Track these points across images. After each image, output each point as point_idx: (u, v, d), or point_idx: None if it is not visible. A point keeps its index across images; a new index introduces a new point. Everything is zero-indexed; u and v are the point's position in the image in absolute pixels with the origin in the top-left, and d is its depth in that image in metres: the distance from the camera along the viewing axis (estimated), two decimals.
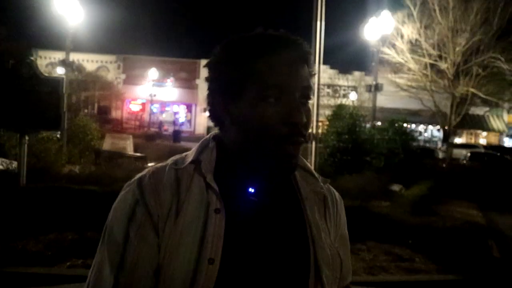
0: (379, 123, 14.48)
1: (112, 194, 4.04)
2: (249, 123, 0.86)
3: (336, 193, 1.03)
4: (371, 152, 11.26)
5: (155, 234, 0.82)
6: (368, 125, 12.96)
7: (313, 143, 9.90)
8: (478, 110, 37.20)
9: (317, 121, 9.75)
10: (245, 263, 0.83)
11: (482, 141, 40.55)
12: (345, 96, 28.55)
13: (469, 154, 19.88)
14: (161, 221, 0.83)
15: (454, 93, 13.87)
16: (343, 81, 29.10)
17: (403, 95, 14.66)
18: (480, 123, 39.26)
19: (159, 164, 0.91)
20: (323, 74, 25.22)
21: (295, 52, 0.87)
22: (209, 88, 0.93)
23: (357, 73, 29.34)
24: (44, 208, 5.27)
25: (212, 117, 0.93)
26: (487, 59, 13.42)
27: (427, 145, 31.49)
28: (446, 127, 16.08)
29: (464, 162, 19.78)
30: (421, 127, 38.06)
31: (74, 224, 5.22)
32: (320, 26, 9.81)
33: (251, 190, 0.88)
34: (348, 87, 29.07)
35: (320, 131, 15.36)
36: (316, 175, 0.99)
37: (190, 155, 0.92)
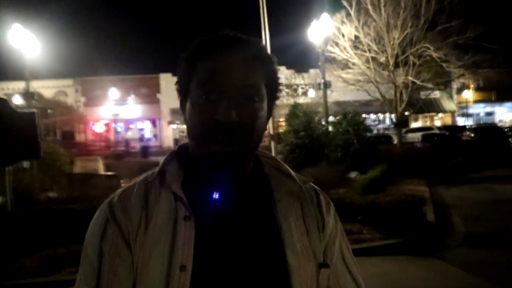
0: (333, 118, 15.39)
1: (90, 210, 5.14)
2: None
3: (322, 195, 1.01)
4: (328, 145, 12.16)
5: (128, 250, 0.84)
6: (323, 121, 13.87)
7: (272, 142, 10.78)
8: (431, 94, 39.29)
9: (273, 121, 10.60)
10: (217, 268, 0.83)
11: (438, 122, 42.56)
12: (304, 94, 29.47)
13: (421, 137, 21.32)
14: (132, 236, 0.84)
15: (395, 83, 15.12)
16: (300, 79, 29.96)
17: (353, 88, 15.76)
18: (433, 106, 41.24)
19: (130, 183, 0.93)
20: (280, 75, 25.96)
21: (237, 51, 0.85)
22: (178, 92, 0.95)
23: (312, 71, 30.35)
24: (32, 228, 5.87)
25: (183, 116, 0.95)
26: (420, 49, 14.76)
27: (387, 132, 32.90)
28: (389, 114, 17.40)
29: (417, 144, 21.18)
30: (378, 116, 39.55)
31: (61, 240, 5.83)
32: (265, 36, 10.71)
33: (216, 196, 0.88)
34: (306, 85, 30.04)
35: (281, 130, 16.19)
36: (294, 175, 0.97)
37: (157, 168, 0.92)
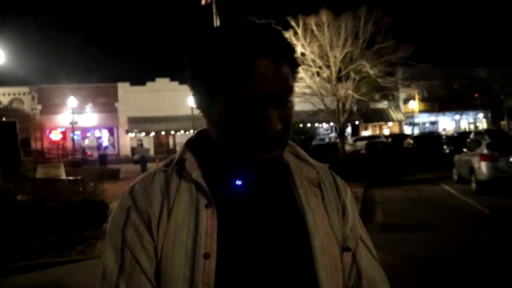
0: None
1: (65, 207, 6.69)
2: (224, 129, 0.86)
3: (338, 178, 1.02)
4: None
5: (150, 237, 0.84)
6: None
7: None
8: (379, 105, 41.77)
9: None
10: (242, 255, 0.83)
11: (386, 131, 45.08)
12: None
13: (365, 144, 23.11)
14: (154, 223, 0.84)
15: (337, 96, 16.75)
16: None
17: (299, 100, 17.19)
18: (381, 116, 43.84)
19: (150, 171, 0.93)
20: None
21: (270, 53, 0.81)
22: (190, 84, 0.91)
23: None
24: (12, 224, 6.74)
25: (198, 108, 0.92)
26: (359, 66, 16.48)
27: (337, 140, 34.72)
28: (333, 123, 19.08)
29: (362, 151, 22.92)
30: (331, 125, 41.53)
31: (40, 233, 6.75)
32: None
33: (238, 182, 0.88)
34: None
35: None
36: (312, 161, 0.98)
37: (177, 156, 0.93)
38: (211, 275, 0.81)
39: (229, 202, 0.87)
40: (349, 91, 16.56)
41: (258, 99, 0.81)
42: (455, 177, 13.62)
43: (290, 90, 0.86)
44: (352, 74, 16.62)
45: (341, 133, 17.72)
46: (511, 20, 75.34)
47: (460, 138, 21.28)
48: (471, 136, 20.78)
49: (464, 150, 13.44)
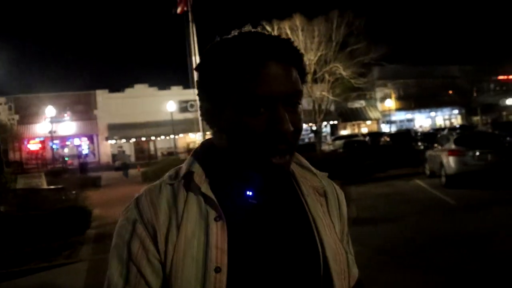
0: None
1: (50, 215, 7.07)
2: (235, 134, 0.85)
3: (336, 186, 1.04)
4: None
5: (156, 250, 0.83)
6: None
7: None
8: (357, 104, 42.61)
9: (203, 134, 12.06)
10: (253, 269, 0.83)
11: (364, 130, 45.90)
12: None
13: (343, 143, 23.62)
14: (161, 237, 0.84)
15: (313, 97, 17.26)
16: None
17: None
18: (359, 115, 44.70)
19: (155, 182, 0.92)
20: None
21: (281, 58, 0.83)
22: (198, 94, 0.92)
23: None
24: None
25: (205, 120, 0.93)
26: (332, 68, 17.02)
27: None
28: (311, 124, 19.55)
29: (339, 150, 23.43)
30: (310, 125, 42.07)
31: (26, 241, 6.95)
32: (195, 60, 12.22)
33: (249, 193, 0.87)
34: None
35: None
36: (314, 170, 0.99)
37: (183, 168, 0.91)
38: None
39: (239, 214, 0.86)
40: (324, 93, 17.08)
41: (270, 100, 0.82)
42: (427, 172, 14.13)
43: (300, 93, 0.87)
44: (326, 76, 17.17)
45: (317, 133, 18.21)
46: (481, 18, 77.50)
47: (434, 135, 21.95)
48: (444, 132, 21.48)
49: (435, 145, 14.01)
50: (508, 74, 44.15)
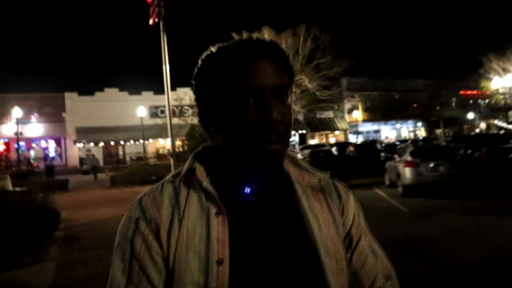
0: None
1: (17, 216, 7.40)
2: (228, 127, 0.89)
3: (340, 185, 1.06)
4: None
5: (159, 246, 0.86)
6: None
7: (172, 160, 12.55)
8: (325, 114, 43.57)
9: (172, 140, 12.34)
10: (254, 261, 0.86)
11: (332, 139, 46.91)
12: None
13: (309, 153, 24.31)
14: (164, 233, 0.86)
15: None
16: None
17: None
18: (327, 125, 45.66)
19: (157, 183, 0.96)
20: (185, 96, 27.60)
21: (265, 54, 0.89)
22: (195, 100, 0.97)
23: None
24: None
25: (202, 126, 0.97)
26: (299, 80, 17.68)
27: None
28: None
29: (307, 159, 24.07)
30: None
31: None
32: (165, 69, 12.55)
33: (247, 190, 0.91)
34: None
35: (186, 148, 17.84)
36: (312, 170, 1.03)
37: (185, 166, 0.96)
38: (225, 281, 0.83)
39: (238, 209, 0.89)
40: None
41: (258, 91, 0.86)
42: (387, 182, 14.82)
43: (286, 86, 0.91)
44: (293, 87, 17.83)
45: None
46: (445, 34, 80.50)
47: (395, 146, 22.88)
48: (408, 143, 22.40)
49: (395, 157, 14.75)
50: (469, 90, 46.13)
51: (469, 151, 15.91)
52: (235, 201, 0.90)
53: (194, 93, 0.97)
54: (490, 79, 31.84)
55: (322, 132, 46.83)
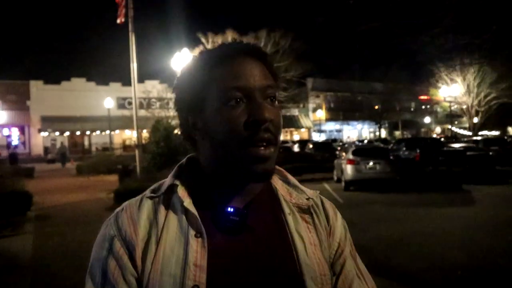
0: None
1: None
2: (215, 131, 0.85)
3: (328, 203, 1.02)
4: (185, 153, 15.28)
5: (133, 269, 0.82)
6: None
7: (137, 151, 13.62)
8: (291, 112, 45.12)
9: (138, 132, 13.40)
10: (232, 287, 0.82)
11: (297, 137, 48.55)
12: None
13: None
14: (139, 253, 0.83)
15: None
16: (171, 93, 32.26)
17: None
18: (292, 123, 47.27)
19: (136, 197, 0.91)
20: (153, 89, 28.24)
21: (251, 55, 0.87)
22: (177, 110, 0.93)
23: None
24: None
25: (185, 138, 0.93)
26: None
27: None
28: None
29: None
30: None
31: None
32: (133, 67, 13.57)
33: (230, 209, 0.86)
34: None
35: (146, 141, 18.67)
36: (302, 188, 0.98)
37: (166, 182, 0.90)
38: None
39: (221, 230, 0.85)
40: None
41: (247, 91, 0.83)
42: (335, 178, 16.33)
43: (274, 87, 0.87)
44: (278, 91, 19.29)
45: None
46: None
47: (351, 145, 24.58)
48: (365, 143, 24.06)
49: (342, 155, 16.29)
50: (427, 95, 48.70)
51: (406, 153, 17.74)
52: (217, 222, 0.86)
53: (176, 103, 0.93)
54: (439, 88, 34.21)
55: (287, 129, 48.38)
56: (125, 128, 36.86)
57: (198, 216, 0.84)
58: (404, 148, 18.74)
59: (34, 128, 37.73)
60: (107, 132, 34.02)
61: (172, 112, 24.72)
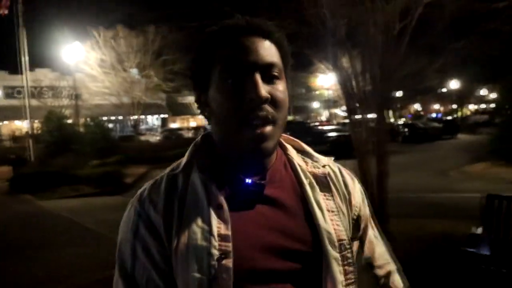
0: (89, 120, 19.62)
1: None
2: (216, 110, 0.87)
3: (345, 171, 1.03)
4: (77, 142, 16.30)
5: (160, 247, 0.84)
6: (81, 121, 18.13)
7: (30, 140, 14.60)
8: (187, 99, 46.39)
9: (31, 122, 14.32)
10: (258, 253, 0.84)
11: (193, 123, 49.81)
12: (69, 96, 31.62)
13: (162, 136, 27.50)
14: (166, 230, 0.84)
15: (131, 95, 20.90)
16: (64, 82, 31.42)
17: (100, 98, 20.54)
18: (188, 110, 48.40)
19: (156, 177, 0.93)
20: (45, 78, 28.02)
21: (256, 32, 0.86)
22: (193, 87, 0.94)
23: (78, 75, 33.10)
24: None
25: (200, 110, 0.94)
26: (148, 73, 20.84)
27: (146, 132, 38.16)
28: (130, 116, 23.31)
29: (158, 141, 27.05)
30: (141, 118, 44.50)
31: None
32: (25, 60, 14.43)
33: (248, 181, 0.88)
34: (71, 87, 32.36)
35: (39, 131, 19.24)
36: (317, 156, 1.00)
37: (184, 159, 0.92)
38: (229, 275, 0.81)
39: (240, 201, 0.87)
40: (138, 93, 20.86)
41: (246, 68, 0.83)
42: None
43: (277, 66, 0.87)
44: (143, 79, 20.97)
45: (135, 126, 21.90)
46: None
47: None
48: None
49: None
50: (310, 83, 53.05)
51: None
52: (236, 193, 0.88)
53: (191, 81, 0.94)
54: (317, 76, 38.11)
55: (183, 117, 49.58)
56: (14, 119, 35.54)
57: (217, 189, 0.86)
58: None
59: None
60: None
61: (65, 101, 24.93)
